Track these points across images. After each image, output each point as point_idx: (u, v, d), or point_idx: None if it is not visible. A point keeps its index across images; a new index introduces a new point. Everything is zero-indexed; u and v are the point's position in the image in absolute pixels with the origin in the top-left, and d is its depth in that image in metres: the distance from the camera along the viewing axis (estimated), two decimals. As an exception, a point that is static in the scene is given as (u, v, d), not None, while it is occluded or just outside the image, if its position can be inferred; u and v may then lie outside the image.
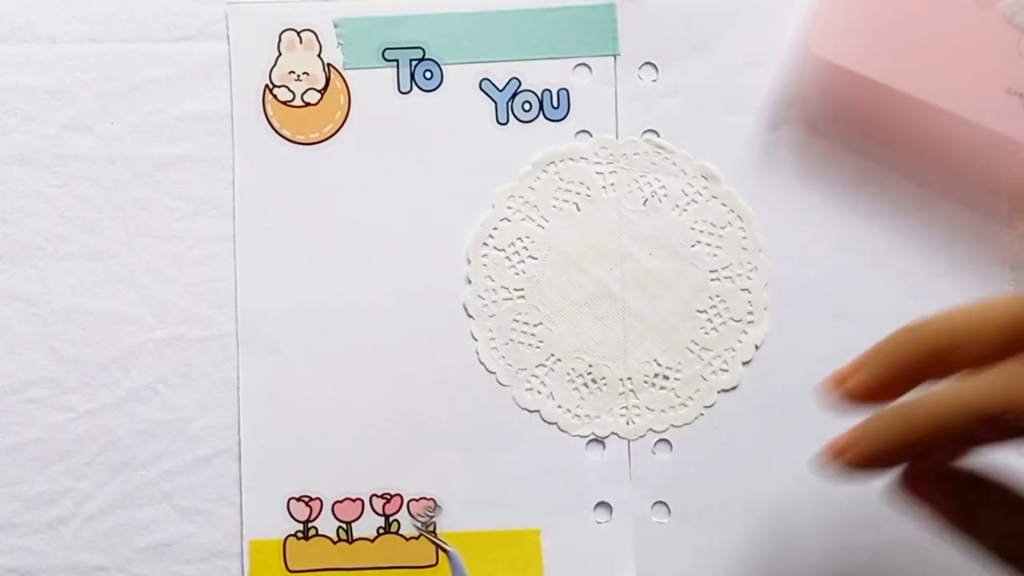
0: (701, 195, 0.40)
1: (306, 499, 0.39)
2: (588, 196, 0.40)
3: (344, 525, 0.39)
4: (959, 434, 0.28)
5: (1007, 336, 0.28)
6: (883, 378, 0.31)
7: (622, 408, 0.40)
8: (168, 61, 0.40)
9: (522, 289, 0.40)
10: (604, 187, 0.40)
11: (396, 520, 0.39)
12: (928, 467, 0.31)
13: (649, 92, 0.40)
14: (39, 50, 0.40)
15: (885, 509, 0.39)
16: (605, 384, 0.40)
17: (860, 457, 0.30)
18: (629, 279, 0.40)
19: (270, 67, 0.40)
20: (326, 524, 0.39)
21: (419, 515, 0.38)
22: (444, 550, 0.38)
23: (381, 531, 0.39)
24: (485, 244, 0.40)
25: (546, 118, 0.40)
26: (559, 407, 0.40)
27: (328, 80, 0.40)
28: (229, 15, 0.40)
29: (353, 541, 0.39)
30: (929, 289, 0.40)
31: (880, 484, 0.40)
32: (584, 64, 0.40)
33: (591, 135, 0.40)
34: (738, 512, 0.39)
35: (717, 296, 0.40)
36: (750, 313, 0.40)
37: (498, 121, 0.40)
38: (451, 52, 0.40)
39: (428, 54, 0.40)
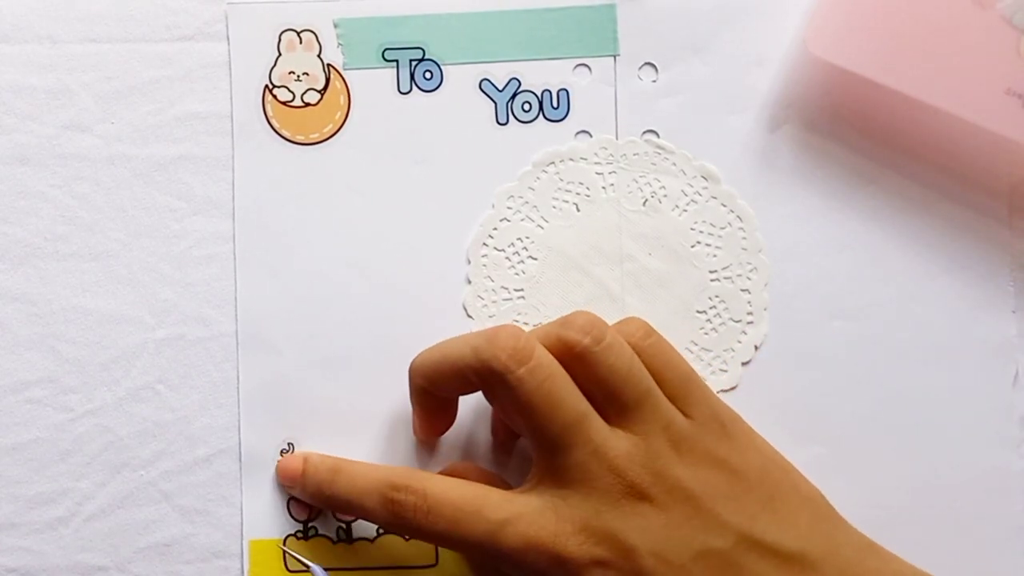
0: (701, 195, 0.40)
1: (306, 499, 0.39)
2: (588, 196, 0.40)
3: (344, 525, 0.39)
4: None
5: (461, 375, 0.34)
6: (420, 411, 0.38)
7: (622, 408, 0.40)
8: (168, 61, 0.40)
9: (522, 289, 0.40)
10: (604, 187, 0.40)
11: (396, 520, 0.39)
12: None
13: (649, 92, 0.40)
14: (39, 50, 0.40)
15: (884, 509, 0.39)
16: (605, 384, 0.40)
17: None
18: (629, 279, 0.40)
19: (270, 67, 0.40)
20: (326, 524, 0.39)
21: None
22: (307, 566, 0.38)
23: (381, 531, 0.39)
24: (485, 244, 0.40)
25: (546, 118, 0.40)
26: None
27: (328, 80, 0.40)
28: (229, 15, 0.40)
29: (353, 541, 0.39)
30: (929, 289, 0.40)
31: (880, 486, 0.40)
32: (584, 64, 0.40)
33: (591, 135, 0.40)
34: (738, 512, 0.39)
35: (717, 296, 0.40)
36: (750, 313, 0.40)
37: (498, 121, 0.40)
38: (451, 52, 0.40)
39: (428, 54, 0.40)
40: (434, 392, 0.36)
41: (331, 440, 0.39)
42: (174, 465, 0.39)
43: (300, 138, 0.40)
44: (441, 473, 0.37)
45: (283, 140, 0.40)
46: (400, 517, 0.34)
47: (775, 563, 0.33)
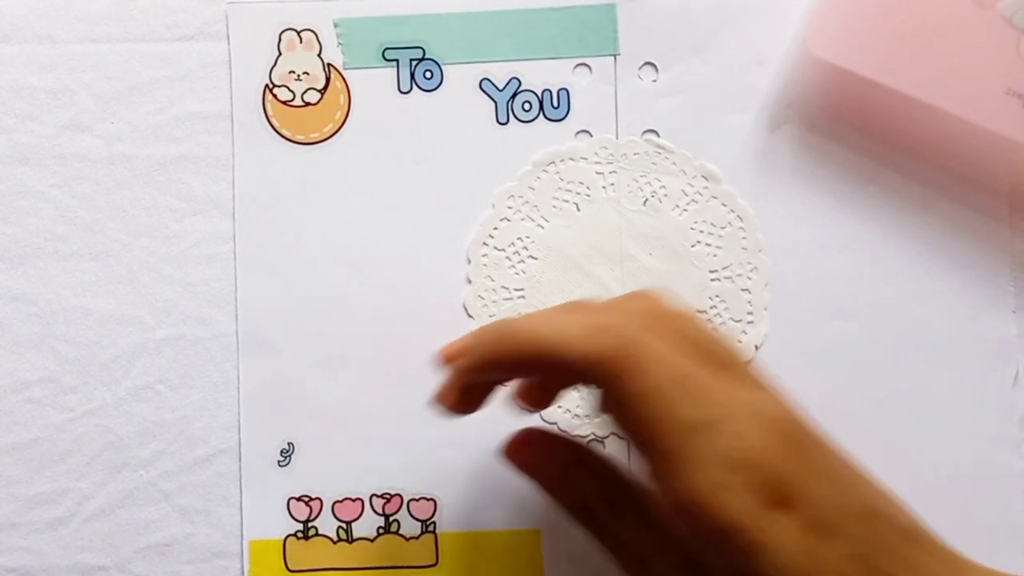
0: (701, 195, 0.40)
1: (306, 499, 0.39)
2: (588, 196, 0.40)
3: (344, 525, 0.39)
4: (550, 361, 0.29)
5: (580, 361, 0.29)
6: (482, 364, 0.31)
7: (622, 408, 0.40)
8: (168, 61, 0.40)
9: (522, 289, 0.40)
10: (604, 187, 0.40)
11: (396, 520, 0.39)
12: (526, 436, 0.34)
13: (649, 92, 0.40)
14: (39, 50, 0.40)
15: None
16: (605, 384, 0.40)
17: (467, 366, 0.32)
18: (629, 279, 0.40)
19: (270, 67, 0.40)
20: (326, 524, 0.39)
21: None
22: None
23: (381, 531, 0.39)
24: (485, 244, 0.40)
25: (546, 118, 0.40)
26: (559, 407, 0.40)
27: (328, 80, 0.40)
28: (229, 15, 0.40)
29: (353, 541, 0.39)
30: (929, 289, 0.40)
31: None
32: (584, 64, 0.40)
33: (591, 135, 0.40)
34: (738, 512, 0.39)
35: (717, 296, 0.40)
36: (750, 313, 0.40)
37: (498, 121, 0.40)
38: (451, 52, 0.40)
39: (428, 54, 0.40)
40: (531, 365, 0.31)
41: (331, 440, 0.39)
42: (174, 465, 0.39)
43: (300, 138, 0.40)
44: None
45: (283, 140, 0.40)
46: (609, 362, 0.29)
47: (901, 536, 0.30)
